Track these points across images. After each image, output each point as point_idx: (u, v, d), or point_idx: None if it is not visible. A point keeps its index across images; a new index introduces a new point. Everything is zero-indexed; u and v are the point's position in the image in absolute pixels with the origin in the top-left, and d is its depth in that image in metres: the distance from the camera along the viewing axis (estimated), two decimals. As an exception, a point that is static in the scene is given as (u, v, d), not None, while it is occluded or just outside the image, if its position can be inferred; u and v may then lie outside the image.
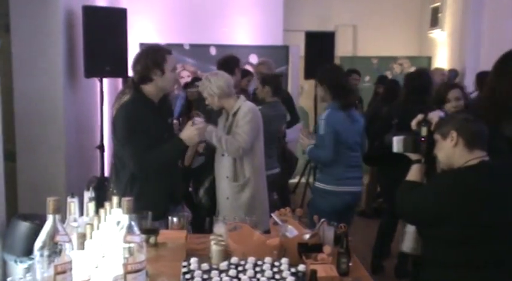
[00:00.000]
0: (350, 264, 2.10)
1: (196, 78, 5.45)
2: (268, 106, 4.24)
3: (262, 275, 1.83)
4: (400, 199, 2.28)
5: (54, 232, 1.52)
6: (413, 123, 2.47)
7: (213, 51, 6.38)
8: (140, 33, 6.21)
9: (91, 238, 1.77)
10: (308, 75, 6.62)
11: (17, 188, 3.95)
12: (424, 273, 2.22)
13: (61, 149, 4.11)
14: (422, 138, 2.37)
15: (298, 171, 6.14)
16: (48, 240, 1.52)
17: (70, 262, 1.52)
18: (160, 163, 2.61)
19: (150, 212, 2.31)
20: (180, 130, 2.86)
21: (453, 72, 7.13)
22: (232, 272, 1.85)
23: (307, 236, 2.18)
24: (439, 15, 8.12)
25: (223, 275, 1.83)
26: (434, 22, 8.27)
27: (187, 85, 5.19)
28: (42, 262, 1.52)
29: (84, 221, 1.93)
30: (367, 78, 7.98)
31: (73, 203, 1.91)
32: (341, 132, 3.41)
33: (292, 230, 2.22)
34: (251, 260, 1.94)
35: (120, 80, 5.73)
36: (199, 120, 2.46)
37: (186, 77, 6.25)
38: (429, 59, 8.31)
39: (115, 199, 1.96)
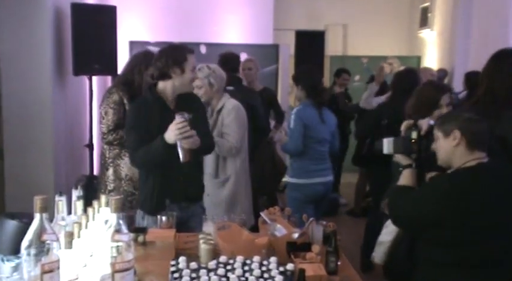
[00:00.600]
0: (339, 263, 2.11)
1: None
2: None
3: (251, 274, 1.83)
4: (393, 204, 2.24)
5: (41, 230, 1.51)
6: (403, 128, 2.46)
7: (203, 49, 6.36)
8: (130, 31, 6.18)
9: (79, 236, 1.76)
10: (298, 74, 6.62)
11: (5, 186, 3.92)
12: (419, 272, 2.20)
13: (49, 148, 4.09)
14: (413, 140, 2.36)
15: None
16: (35, 239, 1.51)
17: (57, 261, 1.51)
18: (147, 159, 2.62)
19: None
20: None
21: (442, 72, 7.17)
22: (220, 271, 1.85)
23: (295, 235, 2.19)
24: (429, 15, 8.17)
25: (211, 274, 1.83)
26: (424, 22, 8.32)
27: None
28: (29, 261, 1.51)
29: (72, 220, 1.92)
30: (357, 77, 8.01)
31: (61, 202, 1.90)
32: (310, 127, 3.66)
33: (281, 229, 2.23)
34: (240, 259, 1.94)
35: (109, 78, 5.70)
36: (179, 118, 2.47)
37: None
38: (419, 59, 8.36)
39: (103, 198, 1.95)
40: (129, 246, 1.63)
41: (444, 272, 2.09)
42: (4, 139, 3.92)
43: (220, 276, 1.82)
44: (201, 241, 2.15)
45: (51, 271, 1.48)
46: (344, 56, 8.57)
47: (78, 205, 2.00)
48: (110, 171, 3.37)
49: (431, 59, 7.99)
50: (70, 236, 1.66)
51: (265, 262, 1.93)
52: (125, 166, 3.30)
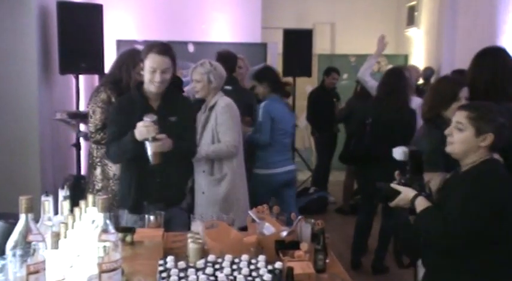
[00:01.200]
0: (327, 261, 2.12)
1: (173, 75, 5.40)
2: None
3: (239, 273, 1.82)
4: (429, 226, 2.07)
5: (27, 231, 1.49)
6: (398, 156, 2.47)
7: (191, 48, 6.35)
8: (117, 29, 6.14)
9: (65, 237, 1.74)
10: (286, 72, 6.63)
11: (-9, 186, 3.88)
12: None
13: (36, 147, 4.06)
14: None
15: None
16: (20, 239, 1.49)
17: (43, 262, 1.50)
18: (118, 153, 2.67)
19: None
20: None
21: (429, 70, 7.22)
22: (209, 270, 1.84)
23: (284, 233, 2.19)
24: (415, 13, 8.22)
25: (199, 273, 1.82)
26: (411, 20, 8.37)
27: None
28: (14, 262, 1.49)
29: (59, 220, 1.90)
30: (345, 76, 8.04)
31: (47, 202, 1.88)
32: (277, 120, 3.97)
33: (269, 228, 2.23)
34: (228, 258, 1.93)
35: (96, 77, 5.66)
36: (147, 119, 2.48)
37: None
38: (406, 57, 8.41)
39: (90, 198, 1.94)
40: (116, 246, 1.62)
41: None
42: (-11, 139, 3.88)
43: (209, 275, 1.81)
44: (190, 240, 2.14)
45: (37, 272, 1.47)
46: (332, 55, 8.60)
47: (65, 205, 1.98)
48: (98, 170, 3.35)
49: (418, 58, 8.05)
50: (56, 236, 1.64)
51: (253, 261, 1.92)
52: (113, 165, 3.27)
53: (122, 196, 2.81)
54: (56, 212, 1.98)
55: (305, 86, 7.47)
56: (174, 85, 4.92)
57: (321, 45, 8.49)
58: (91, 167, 3.39)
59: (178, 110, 2.68)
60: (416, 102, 4.62)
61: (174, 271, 1.82)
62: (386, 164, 4.00)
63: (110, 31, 5.44)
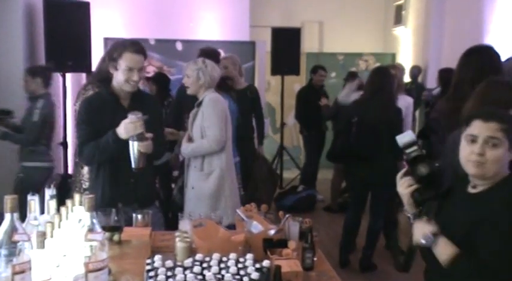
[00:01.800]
0: (315, 259, 2.12)
1: (160, 73, 5.38)
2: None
3: (227, 272, 1.82)
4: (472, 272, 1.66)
5: (12, 231, 1.48)
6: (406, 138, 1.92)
7: (179, 46, 6.33)
8: (104, 27, 6.09)
9: (52, 236, 1.73)
10: (275, 71, 6.64)
11: (-24, 186, 3.84)
12: None
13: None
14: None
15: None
16: (6, 239, 1.48)
17: (29, 262, 1.48)
18: (95, 154, 2.58)
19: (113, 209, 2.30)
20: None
21: (416, 69, 7.28)
22: (196, 269, 1.84)
23: (272, 231, 2.19)
24: (403, 12, 8.27)
25: (187, 272, 1.82)
26: (398, 19, 8.42)
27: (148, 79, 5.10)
28: (0, 262, 1.48)
29: (45, 220, 1.88)
30: (333, 74, 8.07)
31: (33, 201, 1.86)
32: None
33: (257, 226, 2.23)
34: (216, 256, 1.93)
35: (83, 76, 5.62)
36: (134, 117, 2.45)
37: (152, 72, 6.18)
38: (393, 56, 8.46)
39: (77, 197, 1.92)
40: (103, 245, 1.61)
41: None
42: (-25, 138, 3.83)
43: (196, 274, 1.80)
44: (177, 239, 2.14)
45: (22, 271, 1.45)
46: (320, 53, 8.62)
47: (51, 204, 1.96)
48: (85, 169, 3.32)
49: (406, 56, 8.10)
50: (42, 236, 1.63)
51: (241, 259, 1.92)
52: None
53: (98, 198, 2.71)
54: (42, 212, 1.97)
55: (293, 84, 7.49)
56: (161, 83, 4.94)
57: (309, 44, 8.51)
58: (78, 165, 3.37)
59: (147, 109, 2.61)
60: (405, 100, 4.66)
61: (161, 270, 1.81)
62: (373, 163, 4.09)
63: (97, 29, 5.40)
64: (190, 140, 3.34)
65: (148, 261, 1.91)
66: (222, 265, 1.88)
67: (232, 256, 1.94)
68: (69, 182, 3.86)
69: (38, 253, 1.58)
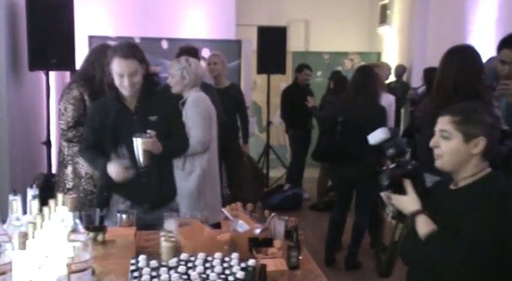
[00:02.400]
0: (300, 257, 2.12)
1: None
2: None
3: (212, 271, 1.81)
4: (447, 255, 1.72)
5: (-8, 231, 1.46)
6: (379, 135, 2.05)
7: (164, 44, 6.28)
8: (89, 25, 6.03)
9: (33, 237, 1.70)
10: (261, 70, 6.63)
11: (-43, 185, 3.78)
12: None
13: (4, 145, 3.96)
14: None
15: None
16: (-14, 240, 1.46)
17: (10, 263, 1.46)
18: (89, 163, 2.86)
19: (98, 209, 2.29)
20: None
21: (401, 68, 7.33)
22: (181, 268, 1.82)
23: (257, 230, 2.19)
24: (388, 12, 8.32)
25: (172, 272, 1.81)
26: (383, 19, 8.47)
27: None
28: (-20, 264, 1.45)
29: (28, 220, 1.85)
30: (318, 73, 8.09)
31: (15, 201, 1.84)
32: None
33: (242, 225, 2.22)
34: (201, 256, 1.92)
35: (67, 74, 5.55)
36: (122, 162, 2.47)
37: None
38: (379, 55, 8.51)
39: (60, 197, 1.90)
40: (86, 246, 1.59)
41: None
42: (-44, 137, 3.77)
43: (181, 274, 1.79)
44: (162, 239, 2.12)
45: (3, 273, 1.43)
46: (306, 52, 8.64)
47: (34, 204, 1.93)
48: (69, 169, 3.29)
49: (391, 55, 8.15)
50: (24, 236, 1.61)
51: (226, 259, 1.92)
52: (85, 164, 3.21)
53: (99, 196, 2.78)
54: (25, 212, 1.94)
55: (280, 83, 7.49)
56: (152, 83, 4.90)
57: (295, 43, 8.52)
58: (62, 165, 3.33)
59: (157, 109, 2.60)
60: (387, 98, 4.69)
61: (146, 270, 1.80)
62: (358, 161, 4.10)
63: (81, 26, 5.34)
64: None
65: (133, 261, 1.89)
66: (207, 265, 1.87)
67: (218, 255, 1.93)
68: (53, 181, 3.81)
69: (19, 254, 1.56)
